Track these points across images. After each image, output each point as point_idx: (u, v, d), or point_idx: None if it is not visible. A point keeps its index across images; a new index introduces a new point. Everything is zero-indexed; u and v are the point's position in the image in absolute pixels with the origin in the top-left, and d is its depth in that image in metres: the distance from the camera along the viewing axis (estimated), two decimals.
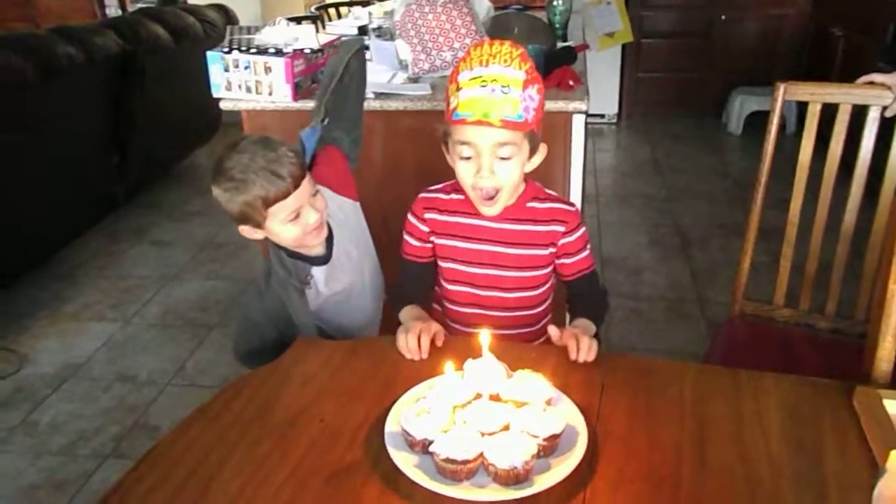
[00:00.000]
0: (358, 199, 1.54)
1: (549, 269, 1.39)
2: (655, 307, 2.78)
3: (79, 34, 3.09)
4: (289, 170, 1.25)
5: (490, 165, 1.22)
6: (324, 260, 1.43)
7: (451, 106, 1.21)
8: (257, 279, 1.47)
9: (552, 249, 1.36)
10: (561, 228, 1.35)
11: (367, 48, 1.74)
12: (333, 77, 1.54)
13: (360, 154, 1.61)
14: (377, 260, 1.60)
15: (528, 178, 1.36)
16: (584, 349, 1.16)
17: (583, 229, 1.38)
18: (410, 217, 1.41)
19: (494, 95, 1.17)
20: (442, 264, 1.41)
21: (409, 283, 1.43)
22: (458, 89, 1.20)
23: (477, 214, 1.35)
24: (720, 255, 3.16)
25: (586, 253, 1.39)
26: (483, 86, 1.17)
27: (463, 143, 1.22)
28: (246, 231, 1.33)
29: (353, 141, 1.57)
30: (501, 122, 1.17)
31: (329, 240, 1.43)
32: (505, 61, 1.19)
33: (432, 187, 1.41)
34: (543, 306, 1.44)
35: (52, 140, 2.94)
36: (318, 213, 1.32)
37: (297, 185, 1.27)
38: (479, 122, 1.17)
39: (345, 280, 1.48)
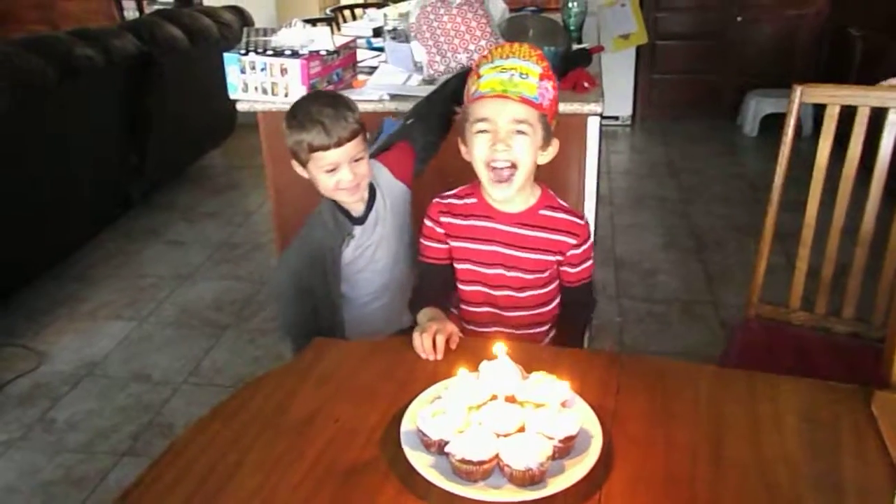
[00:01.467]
0: (411, 191, 1.63)
1: (554, 270, 1.44)
2: (670, 309, 2.77)
3: (97, 36, 3.13)
4: (338, 131, 1.40)
5: (506, 138, 1.27)
6: (362, 220, 1.53)
7: (472, 90, 1.29)
8: (297, 249, 1.56)
9: (559, 257, 1.41)
10: (572, 241, 1.39)
11: None
12: (446, 84, 1.70)
13: (429, 160, 1.68)
14: (408, 257, 1.63)
15: (542, 184, 1.41)
16: None
17: (590, 242, 1.43)
18: (427, 221, 1.45)
19: (513, 78, 1.25)
20: (458, 266, 1.44)
21: (427, 286, 1.45)
22: (479, 77, 1.28)
23: (490, 217, 1.38)
24: (735, 258, 3.14)
25: (589, 263, 1.45)
26: (503, 72, 1.25)
27: (480, 119, 1.28)
28: (295, 166, 1.49)
29: (428, 144, 1.67)
30: (520, 97, 1.24)
31: (370, 205, 1.53)
32: (523, 57, 1.28)
33: (446, 193, 1.45)
34: (554, 304, 1.48)
35: (70, 140, 2.97)
36: (353, 176, 1.44)
37: (339, 145, 1.41)
38: (498, 96, 1.24)
39: (372, 240, 1.56)
